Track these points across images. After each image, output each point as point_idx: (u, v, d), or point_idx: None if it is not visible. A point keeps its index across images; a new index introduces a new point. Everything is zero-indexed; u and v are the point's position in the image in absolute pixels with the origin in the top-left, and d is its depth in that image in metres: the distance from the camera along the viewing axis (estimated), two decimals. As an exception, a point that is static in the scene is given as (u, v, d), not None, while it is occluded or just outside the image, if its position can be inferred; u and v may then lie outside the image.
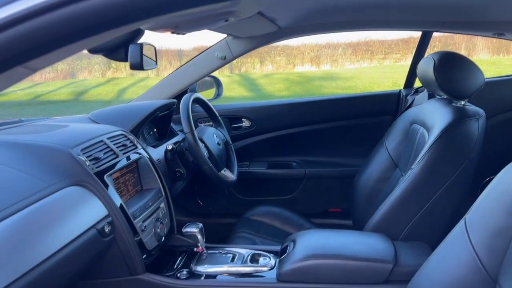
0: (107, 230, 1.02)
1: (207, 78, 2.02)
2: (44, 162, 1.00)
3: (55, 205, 0.93)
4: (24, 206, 0.85)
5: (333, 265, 1.07)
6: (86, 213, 0.99)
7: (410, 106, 1.66)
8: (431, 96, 1.53)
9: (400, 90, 1.93)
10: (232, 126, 1.96)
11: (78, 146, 1.09)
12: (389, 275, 1.06)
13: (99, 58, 14.21)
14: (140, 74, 13.20)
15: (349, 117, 1.94)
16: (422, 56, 1.85)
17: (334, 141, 1.96)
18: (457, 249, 0.86)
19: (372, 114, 1.93)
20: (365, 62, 13.46)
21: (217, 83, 2.11)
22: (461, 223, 0.89)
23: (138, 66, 1.02)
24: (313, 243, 1.16)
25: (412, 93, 1.83)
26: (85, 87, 11.22)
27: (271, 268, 1.16)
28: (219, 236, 1.50)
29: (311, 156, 1.96)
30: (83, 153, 1.08)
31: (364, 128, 1.92)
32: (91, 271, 1.09)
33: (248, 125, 1.95)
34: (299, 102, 2.01)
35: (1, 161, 0.95)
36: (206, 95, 2.08)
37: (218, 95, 2.09)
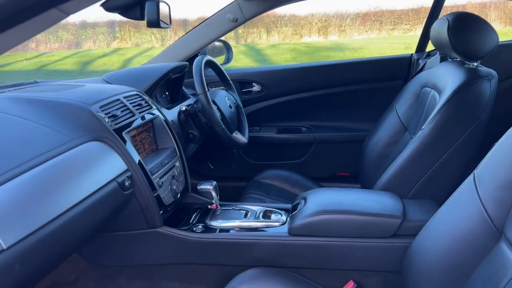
0: (127, 184, 1.06)
1: (217, 43, 2.02)
2: (65, 118, 1.03)
3: (77, 159, 0.97)
4: (49, 158, 0.89)
5: (343, 220, 1.11)
6: (107, 167, 1.03)
7: (421, 70, 1.66)
8: (443, 59, 1.52)
9: (411, 54, 1.92)
10: (243, 90, 1.98)
11: (97, 104, 1.11)
12: (397, 230, 1.10)
13: (104, 28, 14.05)
14: (145, 44, 13.08)
15: (360, 81, 1.94)
16: (436, 18, 1.83)
17: (344, 106, 1.97)
18: (465, 202, 0.89)
19: (383, 79, 1.93)
20: (373, 32, 13.21)
21: (227, 48, 2.10)
22: (470, 178, 0.91)
23: (155, 23, 1.03)
24: (324, 200, 1.20)
25: (424, 56, 1.82)
26: (91, 57, 11.17)
27: (283, 224, 1.20)
28: (230, 198, 1.55)
29: (321, 121, 1.98)
30: (102, 110, 1.11)
31: (374, 92, 1.92)
32: (112, 224, 1.14)
33: (259, 89, 1.96)
34: (310, 66, 2.01)
35: (24, 116, 0.99)
36: (217, 60, 2.08)
37: (228, 59, 2.09)
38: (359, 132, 1.89)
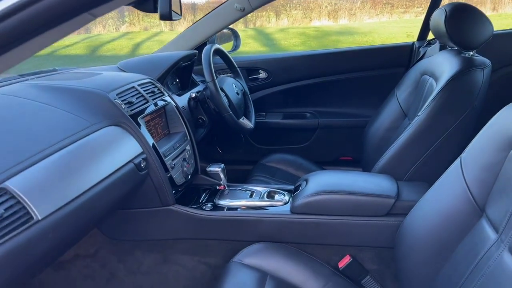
0: (142, 165, 1.16)
1: (225, 31, 2.09)
2: (85, 104, 1.13)
3: (98, 142, 1.07)
4: (73, 140, 0.99)
5: (341, 199, 1.20)
6: (124, 149, 1.13)
7: (422, 58, 1.72)
8: (442, 47, 1.58)
9: (413, 42, 1.98)
10: (250, 77, 2.05)
11: (114, 91, 1.21)
12: (391, 209, 1.18)
13: (113, 13, 14.08)
14: (154, 28, 13.09)
15: (363, 69, 2.01)
16: (437, 7, 1.87)
17: (347, 93, 2.04)
18: (451, 183, 0.98)
19: (385, 66, 1.99)
20: (384, 16, 13.02)
21: (235, 36, 2.17)
22: (457, 161, 0.99)
23: (167, 16, 1.11)
24: (324, 181, 1.29)
25: (425, 45, 1.87)
26: (100, 42, 11.24)
27: (285, 203, 1.30)
28: (237, 180, 1.64)
29: (325, 107, 2.05)
30: (119, 97, 1.20)
31: (376, 79, 1.99)
32: (129, 202, 1.24)
33: (265, 76, 2.04)
34: (314, 54, 2.07)
35: (50, 103, 1.08)
36: (224, 48, 2.15)
37: (236, 46, 2.16)
38: (362, 118, 1.96)
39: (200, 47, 1.83)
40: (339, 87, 2.03)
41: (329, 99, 2.05)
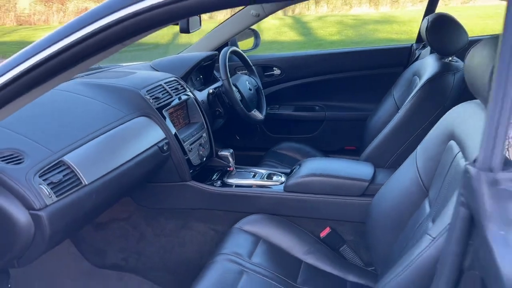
0: (165, 148, 1.47)
1: (247, 30, 2.34)
2: (122, 99, 1.45)
3: (130, 128, 1.38)
4: (112, 127, 1.31)
5: (325, 181, 1.45)
6: (150, 135, 1.44)
7: (417, 59, 1.91)
8: (431, 51, 1.76)
9: (412, 44, 2.15)
10: (265, 74, 2.31)
11: (145, 88, 1.52)
12: (365, 190, 1.42)
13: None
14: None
15: (366, 67, 2.21)
16: (433, 11, 2.03)
17: (352, 89, 2.25)
18: (407, 170, 1.21)
19: (386, 66, 2.18)
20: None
21: (255, 35, 2.43)
22: (414, 152, 1.22)
23: (185, 30, 1.40)
24: (313, 166, 1.54)
25: (420, 47, 2.05)
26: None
27: (282, 183, 1.56)
28: (250, 163, 1.91)
29: (332, 101, 2.28)
30: (148, 93, 1.51)
31: (378, 77, 2.18)
32: (155, 177, 1.56)
33: (279, 73, 2.29)
34: (323, 53, 2.30)
35: (95, 97, 1.41)
36: (247, 43, 2.42)
37: (256, 45, 2.42)
38: (364, 111, 2.17)
39: (221, 47, 2.10)
40: (344, 83, 2.24)
41: (335, 94, 2.27)
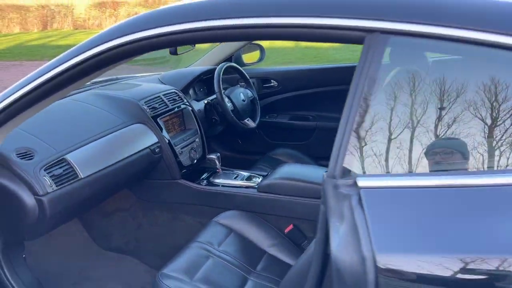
0: (157, 150, 1.73)
1: (252, 45, 2.57)
2: (123, 108, 1.73)
3: (127, 133, 1.66)
4: (111, 131, 1.60)
5: (292, 184, 1.65)
6: (144, 139, 1.71)
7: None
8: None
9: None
10: (264, 85, 2.54)
11: (143, 99, 1.79)
12: None
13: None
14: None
15: None
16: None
17: (342, 101, 2.40)
18: None
19: None
20: None
21: (261, 49, 2.66)
22: None
23: (174, 52, 1.66)
24: (285, 171, 1.75)
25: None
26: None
27: (257, 184, 1.78)
28: (245, 167, 2.12)
29: (324, 112, 2.46)
30: (145, 104, 1.78)
31: None
32: (148, 175, 1.83)
33: (276, 85, 2.51)
34: (315, 68, 2.49)
35: (101, 107, 1.70)
36: (253, 56, 2.65)
37: (261, 59, 2.65)
38: None
39: (228, 61, 2.35)
40: (335, 96, 2.40)
41: (327, 105, 2.44)
